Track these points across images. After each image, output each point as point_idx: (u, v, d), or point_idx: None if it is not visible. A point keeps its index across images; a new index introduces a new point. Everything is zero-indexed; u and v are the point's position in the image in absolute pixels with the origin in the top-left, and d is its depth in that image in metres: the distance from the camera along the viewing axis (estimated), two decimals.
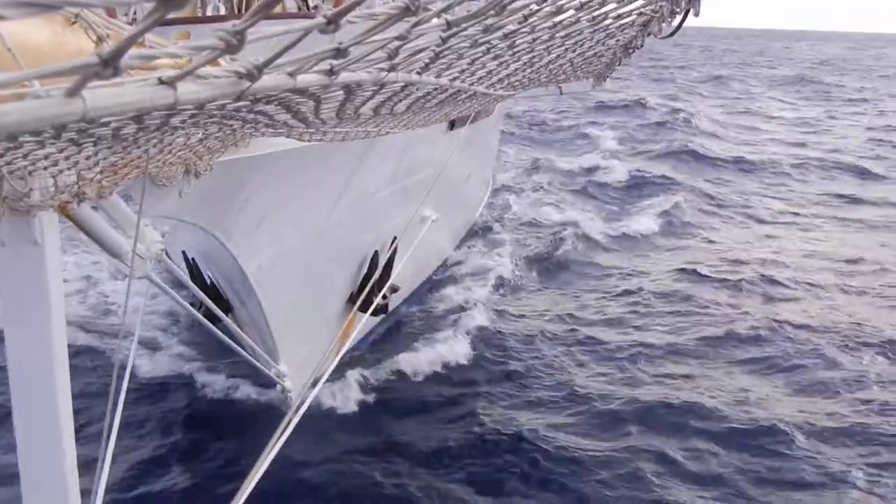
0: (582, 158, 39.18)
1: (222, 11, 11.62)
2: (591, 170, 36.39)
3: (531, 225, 27.34)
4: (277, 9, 10.51)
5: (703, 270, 22.60)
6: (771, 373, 16.35)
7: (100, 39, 3.66)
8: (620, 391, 15.32)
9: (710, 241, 25.87)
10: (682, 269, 22.74)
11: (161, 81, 1.27)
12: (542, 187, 32.56)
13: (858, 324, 19.02)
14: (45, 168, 4.09)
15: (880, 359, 17.05)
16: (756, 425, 14.04)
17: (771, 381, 15.96)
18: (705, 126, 49.53)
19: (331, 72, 1.78)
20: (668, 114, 53.28)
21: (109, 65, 0.98)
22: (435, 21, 1.87)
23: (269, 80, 1.53)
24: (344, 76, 1.88)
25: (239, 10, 12.10)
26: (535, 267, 23.14)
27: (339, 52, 1.62)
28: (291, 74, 1.65)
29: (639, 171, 35.57)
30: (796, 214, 29.99)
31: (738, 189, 34.14)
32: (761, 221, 29.04)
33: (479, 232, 25.83)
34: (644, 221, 27.61)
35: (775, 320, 18.97)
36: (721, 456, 13.21)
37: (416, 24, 1.76)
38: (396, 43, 1.89)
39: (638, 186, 33.35)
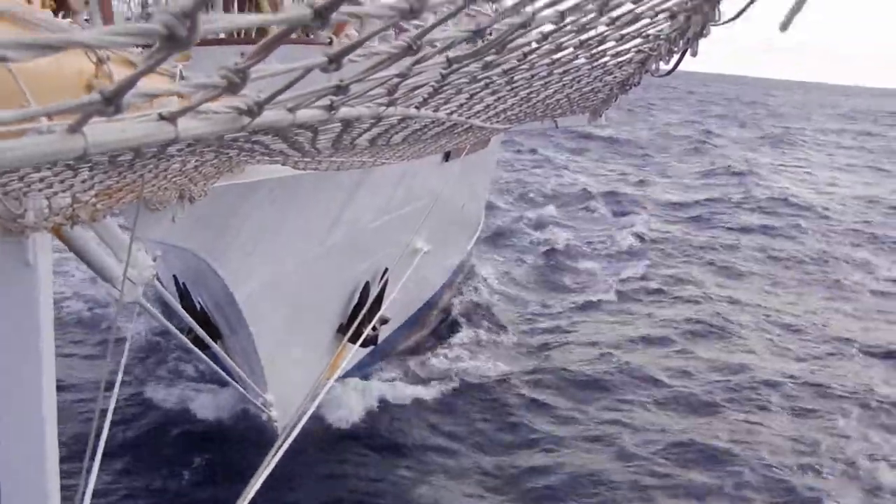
0: None
1: (222, 34, 11.62)
2: None
3: None
4: None
5: None
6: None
7: (100, 61, 3.66)
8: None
9: None
10: None
11: (162, 117, 1.27)
12: None
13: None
14: (39, 190, 4.09)
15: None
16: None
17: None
18: None
19: (330, 107, 1.79)
20: None
21: (112, 103, 0.98)
22: (436, 58, 1.88)
23: (269, 115, 1.53)
24: (343, 111, 1.89)
25: (238, 34, 12.12)
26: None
27: (340, 89, 1.62)
28: (291, 110, 1.65)
29: None
30: None
31: None
32: None
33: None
34: None
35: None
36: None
37: (416, 62, 1.77)
38: (396, 79, 1.89)
39: None
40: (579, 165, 49.96)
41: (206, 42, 10.36)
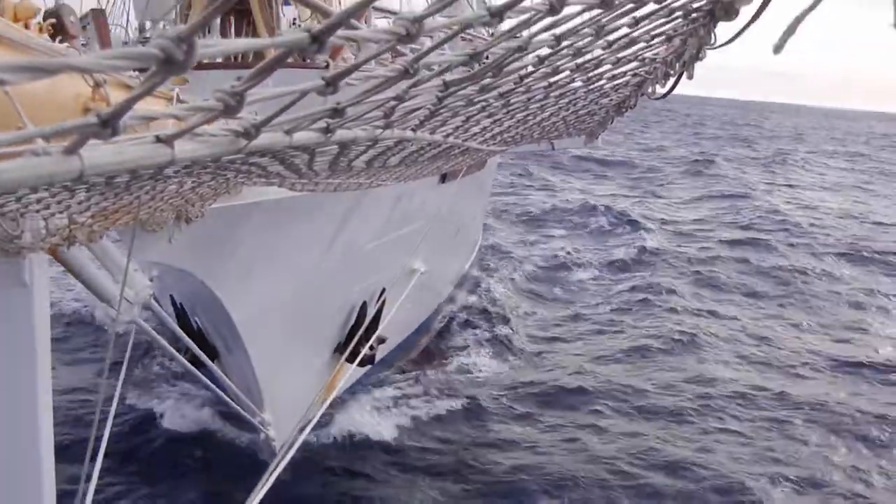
0: None
1: (219, 58, 11.65)
2: None
3: None
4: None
5: None
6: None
7: (97, 84, 3.67)
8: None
9: None
10: None
11: (158, 139, 1.27)
12: None
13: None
14: (37, 211, 4.09)
15: None
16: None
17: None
18: None
19: (327, 130, 1.79)
20: None
21: (108, 125, 0.98)
22: (432, 81, 1.88)
23: (265, 138, 1.53)
24: (340, 134, 1.89)
25: (235, 59, 12.15)
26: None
27: (337, 112, 1.63)
28: (288, 132, 1.65)
29: None
30: None
31: None
32: None
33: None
34: None
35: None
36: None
37: (413, 85, 1.77)
38: (393, 102, 1.90)
39: None
40: (574, 186, 50.39)
41: (202, 66, 10.38)
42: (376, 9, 13.41)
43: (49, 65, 0.85)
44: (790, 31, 1.37)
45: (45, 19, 4.71)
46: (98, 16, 11.41)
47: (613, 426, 16.16)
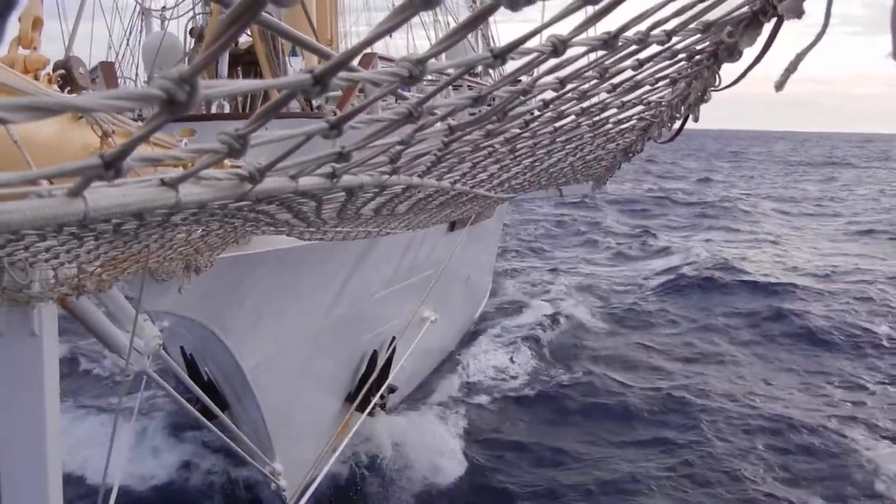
0: None
1: (227, 109, 11.75)
2: None
3: None
4: None
5: None
6: None
7: (105, 135, 3.69)
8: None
9: None
10: None
11: (163, 183, 1.28)
12: None
13: None
14: (45, 260, 4.10)
15: None
16: None
17: None
18: None
19: (333, 175, 1.79)
20: None
21: (112, 167, 0.98)
22: (437, 126, 1.88)
23: (270, 182, 1.53)
24: (346, 179, 1.89)
25: (243, 108, 12.23)
26: None
27: (342, 156, 1.63)
28: (293, 177, 1.65)
29: None
30: None
31: None
32: None
33: None
34: None
35: None
36: None
37: (418, 129, 1.77)
38: (399, 147, 1.90)
39: None
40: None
41: (210, 117, 10.45)
42: (382, 58, 13.53)
43: (51, 104, 0.85)
44: (791, 68, 1.38)
45: (54, 71, 4.75)
46: (107, 68, 11.52)
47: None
